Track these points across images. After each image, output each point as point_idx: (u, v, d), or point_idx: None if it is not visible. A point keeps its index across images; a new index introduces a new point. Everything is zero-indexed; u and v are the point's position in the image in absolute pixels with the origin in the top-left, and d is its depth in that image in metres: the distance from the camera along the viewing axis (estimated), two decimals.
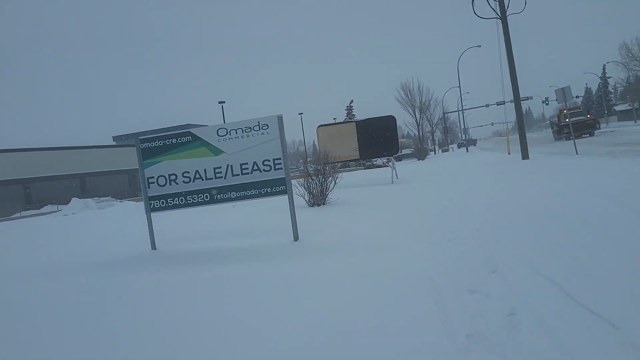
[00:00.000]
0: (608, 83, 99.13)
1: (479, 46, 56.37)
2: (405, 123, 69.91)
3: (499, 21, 21.63)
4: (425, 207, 9.71)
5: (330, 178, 12.25)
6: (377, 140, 18.36)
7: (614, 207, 6.78)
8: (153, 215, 7.90)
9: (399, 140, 66.19)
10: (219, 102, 49.62)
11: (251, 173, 7.51)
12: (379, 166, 36.51)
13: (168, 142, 7.73)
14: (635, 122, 72.10)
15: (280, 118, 7.46)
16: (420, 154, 50.34)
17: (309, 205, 11.84)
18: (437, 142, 76.90)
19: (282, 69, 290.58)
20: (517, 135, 21.98)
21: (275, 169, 7.44)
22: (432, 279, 4.53)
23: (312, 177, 11.91)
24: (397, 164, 46.03)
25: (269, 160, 7.46)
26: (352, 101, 53.70)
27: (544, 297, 3.67)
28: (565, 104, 19.42)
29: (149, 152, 7.80)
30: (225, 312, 4.40)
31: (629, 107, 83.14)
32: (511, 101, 54.33)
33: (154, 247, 7.89)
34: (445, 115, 70.82)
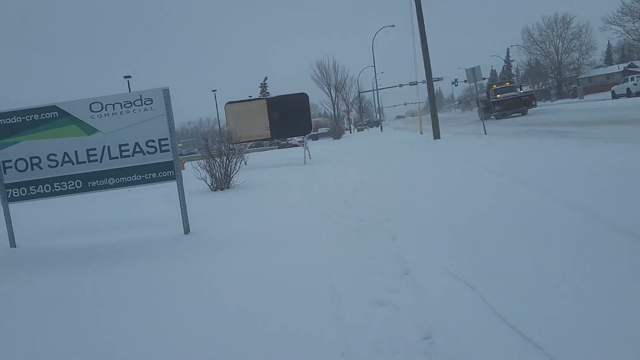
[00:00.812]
0: (511, 66, 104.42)
1: (393, 26, 56.78)
2: (321, 102, 69.73)
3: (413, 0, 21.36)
4: (335, 191, 9.05)
5: (235, 159, 11.27)
6: (289, 118, 17.51)
7: (510, 183, 6.44)
8: (12, 206, 6.59)
9: (314, 119, 65.19)
10: (125, 77, 46.41)
11: (132, 156, 6.41)
12: (294, 145, 35.78)
13: (29, 118, 6.41)
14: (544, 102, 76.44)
15: (166, 91, 6.40)
16: (336, 133, 50.19)
17: (212, 190, 10.83)
18: (352, 121, 77.44)
19: (194, 45, 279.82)
20: (421, 116, 22.01)
21: (161, 151, 6.40)
22: (334, 285, 3.80)
23: (215, 159, 10.88)
24: (313, 143, 45.61)
25: (153, 141, 6.40)
26: (266, 78, 52.38)
27: (464, 310, 3.05)
28: (475, 84, 19.58)
29: (5, 130, 6.45)
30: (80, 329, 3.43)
31: (530, 89, 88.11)
32: (423, 81, 55.42)
33: (13, 244, 6.60)
34: (361, 94, 71.33)
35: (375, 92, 64.56)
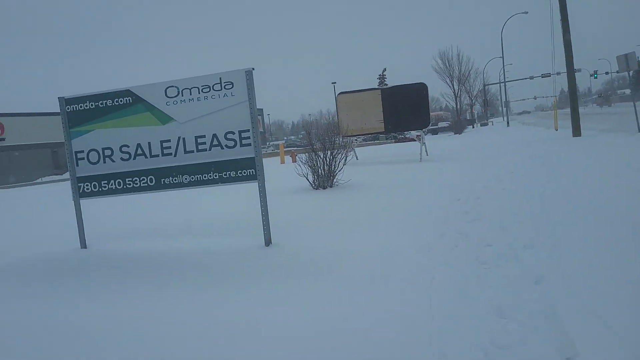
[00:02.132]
0: None
1: (526, 12, 52.19)
2: (443, 95, 66.55)
3: None
4: (455, 197, 7.47)
5: (340, 155, 10.08)
6: (405, 110, 15.95)
7: None
8: (83, 202, 5.94)
9: (435, 112, 63.04)
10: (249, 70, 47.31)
11: (209, 150, 5.43)
12: (412, 140, 33.83)
13: (101, 104, 5.69)
14: None
15: (249, 73, 5.32)
16: (458, 127, 47.29)
17: (313, 188, 9.75)
18: (476, 115, 73.16)
19: (313, 37, 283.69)
20: (556, 111, 19.21)
21: (241, 145, 5.35)
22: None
23: (318, 154, 9.78)
24: (432, 137, 43.30)
25: (233, 133, 5.36)
26: (385, 70, 50.55)
27: None
28: (629, 73, 16.52)
29: (78, 118, 5.79)
30: None
31: None
32: (558, 73, 50.45)
33: (83, 244, 5.97)
34: (486, 87, 66.96)
35: (502, 84, 60.00)
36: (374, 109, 16.17)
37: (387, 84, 49.27)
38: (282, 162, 22.82)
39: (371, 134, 17.89)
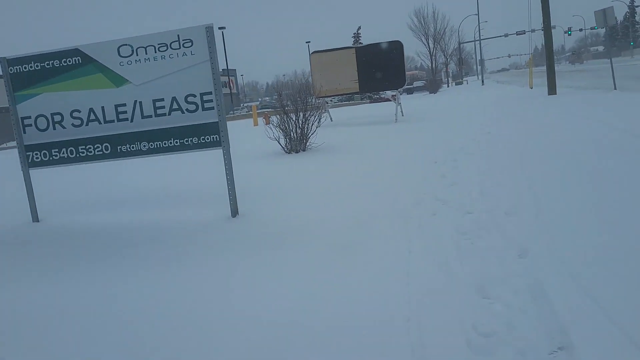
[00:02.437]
0: (636, 12, 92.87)
1: None
2: (418, 53, 65.80)
3: None
4: (431, 160, 7.21)
5: (313, 117, 9.69)
6: (380, 70, 15.50)
7: None
8: (35, 172, 5.49)
9: (410, 72, 62.16)
10: (219, 28, 45.66)
11: (169, 114, 5.01)
12: (387, 100, 33.40)
13: (48, 64, 5.17)
14: None
15: (210, 30, 4.85)
16: (433, 86, 46.98)
17: (286, 152, 9.39)
18: (451, 74, 72.85)
19: None
20: (532, 69, 19.03)
21: (204, 109, 4.93)
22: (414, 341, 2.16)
23: (290, 116, 9.37)
24: (407, 97, 42.93)
25: (194, 96, 4.94)
26: (359, 28, 49.49)
27: None
28: (607, 28, 16.29)
29: (24, 80, 5.28)
30: None
31: None
32: (533, 30, 50.05)
33: (35, 218, 5.55)
34: (461, 45, 66.43)
35: (477, 42, 59.53)
36: (348, 68, 15.69)
37: (362, 43, 48.38)
38: (255, 124, 22.25)
39: (346, 94, 17.46)
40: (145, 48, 4.94)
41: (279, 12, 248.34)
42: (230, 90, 50.34)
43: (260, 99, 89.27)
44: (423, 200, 4.97)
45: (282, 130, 9.38)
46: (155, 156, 5.16)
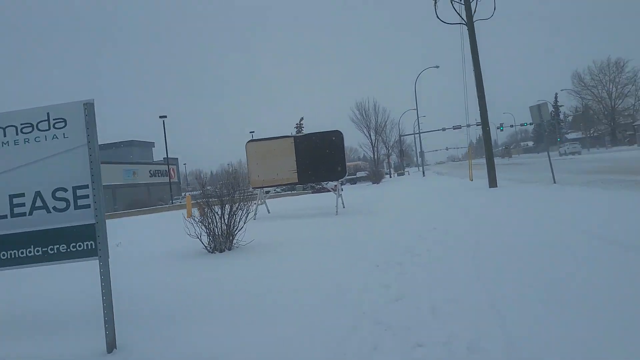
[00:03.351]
0: (560, 111, 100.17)
1: (437, 67, 54.48)
2: (361, 145, 67.20)
3: (464, 42, 18.82)
4: (373, 263, 6.21)
5: (242, 211, 8.62)
6: (320, 160, 14.85)
7: None
8: None
9: (353, 162, 63.06)
10: (160, 117, 44.99)
11: (30, 214, 3.82)
12: (330, 190, 32.85)
13: None
14: (588, 150, 72.15)
15: (89, 107, 3.82)
16: (376, 177, 47.38)
17: (209, 251, 8.17)
18: (392, 165, 74.55)
19: (232, 86, 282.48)
20: (471, 161, 19.04)
21: (77, 207, 3.78)
22: None
23: (213, 209, 8.27)
24: (351, 187, 42.78)
25: (65, 190, 3.80)
26: (302, 119, 50.09)
27: None
28: (543, 123, 16.56)
29: None
30: None
31: (581, 136, 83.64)
32: (468, 125, 52.33)
33: None
34: (402, 138, 68.66)
35: (417, 135, 61.69)
36: (286, 158, 14.94)
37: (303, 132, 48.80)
38: (189, 215, 20.89)
39: (284, 185, 16.58)
40: (4, 129, 3.83)
41: (224, 101, 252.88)
42: (170, 179, 48.91)
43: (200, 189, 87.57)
44: (361, 325, 3.87)
45: (204, 225, 8.23)
46: (9, 269, 3.87)
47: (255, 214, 14.46)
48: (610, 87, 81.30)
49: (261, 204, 15.80)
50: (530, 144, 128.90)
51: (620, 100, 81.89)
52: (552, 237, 6.58)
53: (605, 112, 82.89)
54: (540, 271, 4.94)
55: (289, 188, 37.49)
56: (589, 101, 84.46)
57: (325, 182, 17.84)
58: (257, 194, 15.40)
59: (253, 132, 60.14)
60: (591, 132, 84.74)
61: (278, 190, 41.36)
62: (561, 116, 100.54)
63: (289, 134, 15.98)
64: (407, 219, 10.98)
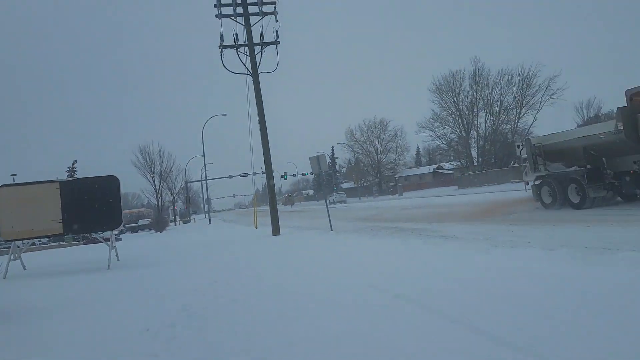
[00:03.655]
0: (336, 162, 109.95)
1: (225, 115, 55.26)
2: (143, 191, 63.86)
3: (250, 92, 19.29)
4: (142, 327, 5.44)
5: None
6: (92, 208, 13.27)
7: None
8: None
9: (136, 209, 59.69)
10: None
11: None
12: (105, 240, 29.94)
13: None
14: (359, 198, 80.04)
15: None
16: (159, 225, 45.22)
17: None
18: (178, 213, 72.32)
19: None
20: (256, 209, 19.37)
21: None
22: None
23: None
24: (132, 236, 39.90)
25: None
26: (75, 162, 45.46)
27: None
28: (322, 173, 17.58)
29: None
30: None
31: (354, 185, 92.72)
32: (254, 173, 53.72)
33: None
34: (188, 184, 67.32)
35: (204, 182, 61.12)
36: (49, 205, 13.00)
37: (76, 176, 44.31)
38: None
39: (46, 236, 14.41)
40: None
41: None
42: None
43: None
44: None
45: None
46: None
47: (5, 273, 12.17)
48: (377, 143, 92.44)
49: (15, 259, 13.41)
50: (311, 192, 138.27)
51: (385, 155, 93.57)
52: (319, 281, 6.66)
53: (373, 165, 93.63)
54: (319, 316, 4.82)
55: (58, 239, 33.28)
56: (359, 154, 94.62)
57: (100, 233, 16.05)
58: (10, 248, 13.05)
59: (15, 174, 52.65)
60: (362, 182, 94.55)
61: (44, 241, 36.43)
62: (337, 167, 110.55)
63: (55, 179, 14.04)
64: (187, 270, 10.32)
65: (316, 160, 16.81)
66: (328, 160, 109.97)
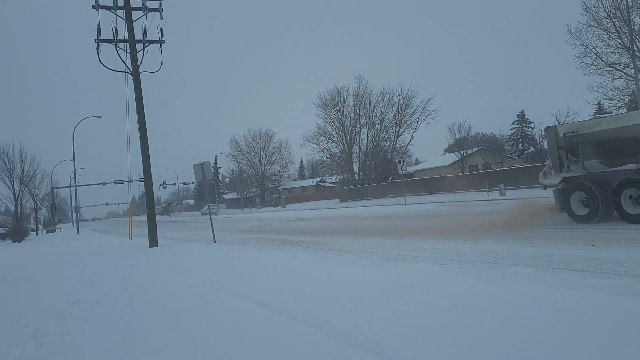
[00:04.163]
0: (219, 172, 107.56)
1: (100, 117, 51.43)
2: (0, 197, 57.13)
3: (130, 87, 17.86)
4: None
5: None
6: None
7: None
8: None
9: None
10: None
11: None
12: None
13: None
14: (242, 209, 78.84)
15: None
16: (18, 234, 40.58)
17: None
18: (41, 221, 65.84)
19: None
20: (131, 218, 17.98)
21: None
22: None
23: None
24: None
25: None
26: None
27: None
28: (205, 181, 16.63)
29: None
30: None
31: (237, 196, 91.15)
32: (131, 181, 50.55)
33: None
34: (55, 190, 61.52)
35: (73, 188, 56.18)
36: None
37: None
38: None
39: None
40: None
41: None
42: None
43: None
44: None
45: None
46: None
47: None
48: (261, 154, 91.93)
49: None
50: (192, 202, 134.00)
51: (269, 167, 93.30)
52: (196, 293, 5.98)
53: (257, 176, 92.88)
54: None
55: None
56: (244, 165, 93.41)
57: None
58: None
59: None
60: (245, 193, 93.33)
61: None
62: (220, 177, 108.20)
63: None
64: (36, 290, 8.95)
65: (200, 167, 15.89)
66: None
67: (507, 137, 73.76)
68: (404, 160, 29.67)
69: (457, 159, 60.91)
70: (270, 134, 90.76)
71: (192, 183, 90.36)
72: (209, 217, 16.70)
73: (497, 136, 74.05)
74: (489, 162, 60.41)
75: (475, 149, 63.01)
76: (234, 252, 12.18)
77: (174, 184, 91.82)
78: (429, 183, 47.98)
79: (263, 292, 6.34)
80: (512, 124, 71.20)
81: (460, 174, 51.65)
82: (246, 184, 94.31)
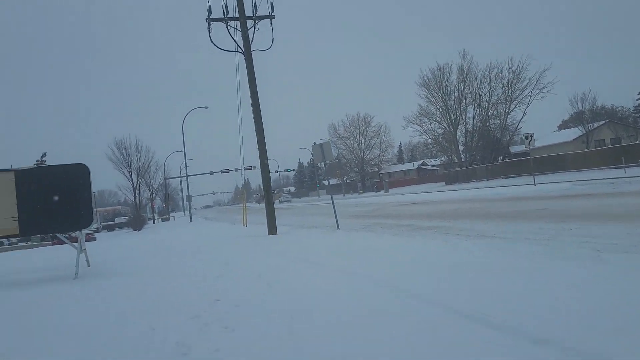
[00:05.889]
0: None
1: (206, 107, 52.58)
2: (120, 187, 60.66)
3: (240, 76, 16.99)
4: None
5: None
6: (56, 203, 10.85)
7: None
8: None
9: (113, 207, 56.91)
10: None
11: None
12: (72, 241, 27.13)
13: None
14: (344, 195, 78.06)
15: None
16: (137, 223, 42.50)
17: None
18: (157, 210, 69.33)
19: None
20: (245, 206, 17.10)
21: None
22: None
23: None
24: (108, 235, 37.10)
25: None
26: (44, 154, 42.01)
27: None
28: (325, 163, 15.35)
29: None
30: None
31: (338, 182, 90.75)
32: (236, 169, 51.08)
33: None
34: (167, 181, 64.39)
35: (184, 178, 58.27)
36: (2, 200, 10.57)
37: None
38: None
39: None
40: None
41: None
42: None
43: None
44: None
45: None
46: None
47: None
48: (360, 138, 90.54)
49: None
50: (292, 189, 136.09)
51: (368, 151, 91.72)
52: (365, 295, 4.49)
53: (356, 161, 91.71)
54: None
55: (25, 239, 30.53)
56: (343, 150, 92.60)
57: (67, 233, 13.56)
58: None
59: None
60: (345, 179, 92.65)
61: (14, 240, 33.46)
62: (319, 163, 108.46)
63: (8, 168, 11.52)
64: (176, 281, 8.02)
65: (319, 148, 14.62)
66: (310, 157, 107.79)
67: (634, 108, 66.38)
68: (531, 135, 26.68)
69: (580, 134, 55.43)
70: (369, 118, 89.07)
71: (293, 170, 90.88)
72: (332, 202, 15.44)
73: (618, 109, 66.94)
74: (619, 135, 54.31)
75: (602, 122, 56.91)
76: (369, 240, 10.72)
77: (276, 171, 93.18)
78: (547, 161, 43.86)
79: (470, 299, 4.74)
80: (639, 94, 63.81)
81: (586, 150, 46.78)
82: (345, 170, 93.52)
